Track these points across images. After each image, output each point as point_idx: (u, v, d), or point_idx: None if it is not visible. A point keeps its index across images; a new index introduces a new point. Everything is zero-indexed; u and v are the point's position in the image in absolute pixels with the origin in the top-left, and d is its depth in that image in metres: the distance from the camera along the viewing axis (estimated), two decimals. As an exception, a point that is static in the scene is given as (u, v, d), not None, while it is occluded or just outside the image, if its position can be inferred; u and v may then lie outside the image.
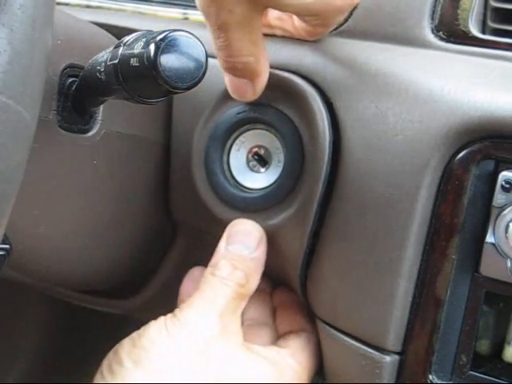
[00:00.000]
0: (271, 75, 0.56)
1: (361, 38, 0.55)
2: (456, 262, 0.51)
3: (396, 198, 0.51)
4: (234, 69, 0.54)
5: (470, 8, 0.56)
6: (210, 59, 0.59)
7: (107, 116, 0.54)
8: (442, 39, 0.56)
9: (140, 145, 0.60)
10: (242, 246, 0.58)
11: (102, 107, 0.53)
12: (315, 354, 0.60)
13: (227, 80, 0.56)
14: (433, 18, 0.57)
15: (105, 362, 0.56)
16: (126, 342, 0.56)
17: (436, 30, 0.56)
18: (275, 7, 0.51)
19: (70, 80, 0.51)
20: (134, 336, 0.56)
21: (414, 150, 0.51)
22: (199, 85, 0.41)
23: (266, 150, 0.60)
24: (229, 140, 0.60)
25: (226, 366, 0.55)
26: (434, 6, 0.57)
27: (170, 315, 0.57)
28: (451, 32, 0.56)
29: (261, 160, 0.60)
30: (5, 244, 0.47)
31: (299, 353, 0.59)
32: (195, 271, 0.63)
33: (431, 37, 0.56)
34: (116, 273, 0.68)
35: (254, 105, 0.59)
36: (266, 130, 0.60)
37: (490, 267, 0.50)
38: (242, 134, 0.60)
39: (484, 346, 0.53)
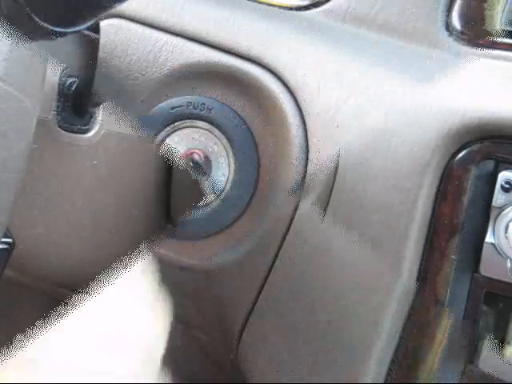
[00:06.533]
0: (225, 63, 0.46)
1: (356, 23, 0.54)
2: (456, 262, 0.51)
3: (396, 198, 0.51)
4: None
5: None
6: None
7: (107, 116, 0.54)
8: (442, 39, 0.56)
9: (140, 145, 0.60)
10: None
11: (101, 107, 0.53)
12: None
13: None
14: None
15: None
16: None
17: (438, 31, 0.56)
18: None
19: (70, 80, 0.51)
20: None
21: (414, 151, 0.51)
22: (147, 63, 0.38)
23: (206, 156, 0.47)
24: (158, 136, 0.49)
25: None
26: (435, 7, 0.57)
27: None
28: (451, 32, 0.56)
29: (198, 168, 0.47)
30: (7, 238, 0.47)
31: None
32: None
33: (431, 37, 0.56)
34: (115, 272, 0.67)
35: (196, 99, 0.47)
36: (208, 131, 0.47)
37: (489, 267, 0.50)
38: (176, 131, 0.48)
39: (484, 345, 0.53)
